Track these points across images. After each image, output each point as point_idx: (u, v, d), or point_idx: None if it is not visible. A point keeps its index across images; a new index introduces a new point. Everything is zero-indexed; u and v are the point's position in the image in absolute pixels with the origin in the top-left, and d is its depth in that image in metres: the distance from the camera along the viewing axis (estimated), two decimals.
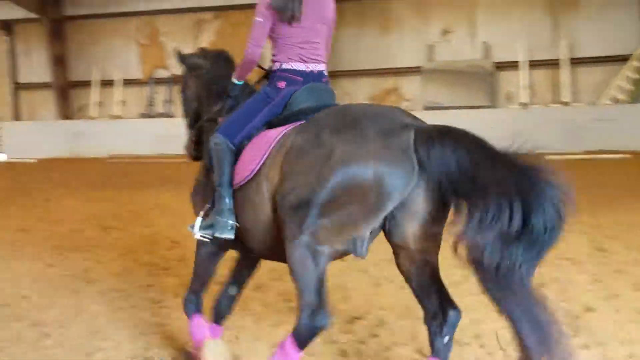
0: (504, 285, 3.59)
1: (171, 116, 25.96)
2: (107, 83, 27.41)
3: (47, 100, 28.11)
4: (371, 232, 4.04)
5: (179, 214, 11.71)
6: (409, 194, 3.85)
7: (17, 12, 27.66)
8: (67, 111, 27.40)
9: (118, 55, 27.42)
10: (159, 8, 26.55)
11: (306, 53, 4.83)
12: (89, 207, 12.82)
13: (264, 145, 4.47)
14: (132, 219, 11.40)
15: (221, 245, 4.84)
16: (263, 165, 4.39)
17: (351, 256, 4.26)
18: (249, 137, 4.73)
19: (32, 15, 27.18)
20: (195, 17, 26.17)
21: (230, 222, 4.56)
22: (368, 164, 3.80)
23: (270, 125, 4.71)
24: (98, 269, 8.08)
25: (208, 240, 4.71)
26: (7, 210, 12.89)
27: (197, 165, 5.22)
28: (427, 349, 4.49)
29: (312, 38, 4.85)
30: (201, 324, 5.05)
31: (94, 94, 27.08)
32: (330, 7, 4.96)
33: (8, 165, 23.21)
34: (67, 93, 27.58)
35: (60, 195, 14.76)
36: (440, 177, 3.74)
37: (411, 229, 3.99)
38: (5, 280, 7.67)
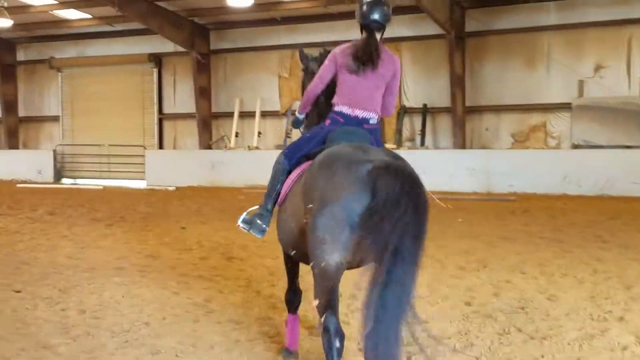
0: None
1: None
2: (246, 114, 27.89)
3: (189, 130, 28.86)
4: None
5: None
6: None
7: (166, 46, 28.68)
8: (208, 141, 28.03)
9: (258, 88, 27.87)
10: (300, 42, 26.82)
11: (357, 101, 5.77)
12: (218, 236, 12.95)
13: (295, 175, 5.56)
14: (258, 249, 11.42)
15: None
16: (293, 188, 5.48)
17: (478, 301, 6.55)
18: (299, 163, 5.69)
19: (180, 49, 28.08)
20: None
21: (264, 226, 5.91)
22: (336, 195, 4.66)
23: (309, 157, 5.59)
24: (219, 299, 8.09)
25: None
26: (143, 235, 13.19)
27: None
28: None
29: (368, 90, 5.78)
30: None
31: (234, 125, 27.59)
32: (392, 69, 5.87)
33: (149, 192, 23.85)
34: (208, 123, 28.23)
35: (195, 223, 15.00)
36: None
37: None
38: (130, 306, 7.78)
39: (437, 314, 7.35)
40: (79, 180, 30.24)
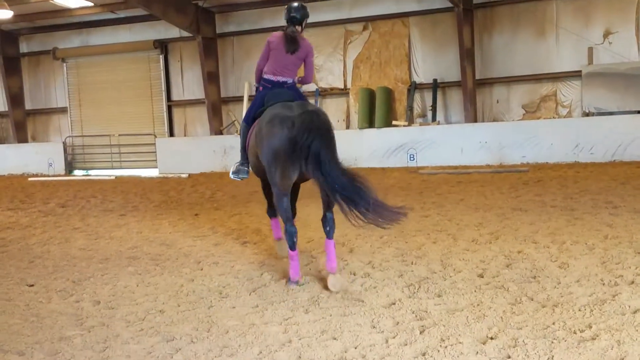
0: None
1: None
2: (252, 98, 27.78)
3: (199, 117, 28.85)
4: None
5: (316, 227, 11.68)
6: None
7: (171, 32, 28.63)
8: (218, 127, 27.99)
9: None
10: (307, 21, 26.71)
11: (278, 70, 8.85)
12: (232, 222, 12.97)
13: (251, 131, 8.71)
14: (272, 233, 11.42)
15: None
16: (250, 140, 8.68)
17: (490, 273, 7.96)
18: (254, 121, 8.73)
19: (186, 34, 28.01)
20: (343, 29, 26.24)
21: (246, 169, 9.16)
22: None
23: (256, 117, 8.71)
24: (234, 284, 8.10)
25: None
26: (156, 224, 13.22)
27: None
28: None
29: (286, 64, 8.86)
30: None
31: (244, 109, 27.49)
32: (306, 51, 8.94)
33: (161, 181, 23.87)
34: (218, 109, 28.18)
35: (208, 209, 15.04)
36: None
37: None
38: (144, 295, 7.82)
39: (449, 288, 7.36)
40: (90, 172, 30.33)
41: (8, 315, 7.19)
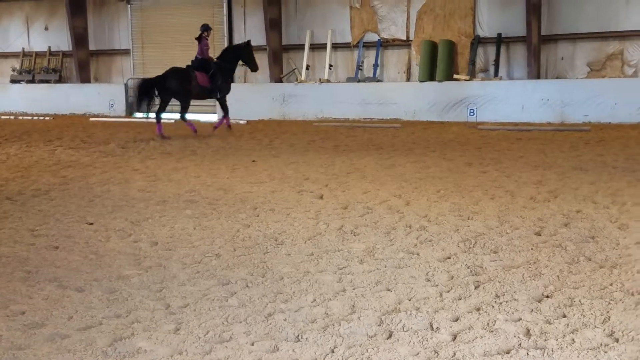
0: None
1: (379, 80, 26.00)
2: (317, 47, 27.75)
3: (260, 63, 28.83)
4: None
5: (375, 179, 11.67)
6: None
7: None
8: (279, 74, 27.97)
9: (330, 19, 27.63)
10: None
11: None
12: (290, 169, 13.02)
13: None
14: (329, 182, 11.45)
15: None
16: None
17: (548, 231, 7.84)
18: None
19: None
20: None
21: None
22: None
23: None
24: (290, 231, 8.14)
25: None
26: (215, 169, 13.32)
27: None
28: (619, 332, 4.92)
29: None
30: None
31: (305, 58, 27.45)
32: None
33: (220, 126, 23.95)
34: (279, 56, 28.13)
35: (266, 156, 15.10)
36: None
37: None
38: (201, 239, 7.89)
39: (505, 244, 7.30)
40: (150, 115, 30.57)
41: (68, 252, 7.32)
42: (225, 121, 21.26)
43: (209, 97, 21.06)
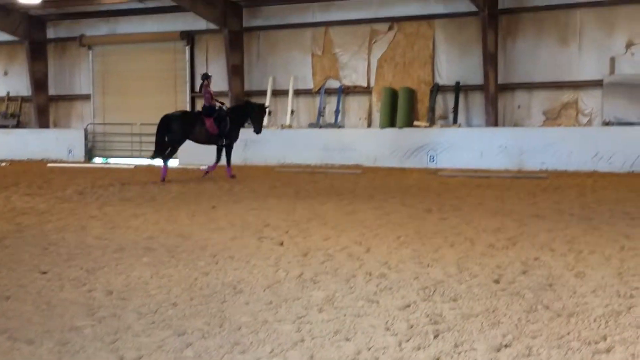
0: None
1: (340, 127, 26.15)
2: (279, 93, 27.90)
3: None
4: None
5: (336, 225, 11.65)
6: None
7: (199, 24, 28.72)
8: None
9: (292, 66, 27.85)
10: (334, 19, 26.80)
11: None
12: (250, 215, 12.95)
13: None
14: (290, 229, 11.40)
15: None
16: None
17: (506, 279, 7.83)
18: None
19: (212, 27, 28.09)
20: (369, 28, 26.23)
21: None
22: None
23: None
24: (249, 279, 8.06)
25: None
26: (174, 215, 13.21)
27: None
28: None
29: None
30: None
31: (267, 104, 27.53)
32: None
33: (181, 171, 23.91)
34: None
35: (226, 202, 15.04)
36: None
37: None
38: (158, 287, 7.75)
39: (465, 292, 7.29)
40: (109, 160, 30.41)
41: (20, 302, 7.16)
42: (227, 170, 21.22)
43: (216, 143, 21.03)
